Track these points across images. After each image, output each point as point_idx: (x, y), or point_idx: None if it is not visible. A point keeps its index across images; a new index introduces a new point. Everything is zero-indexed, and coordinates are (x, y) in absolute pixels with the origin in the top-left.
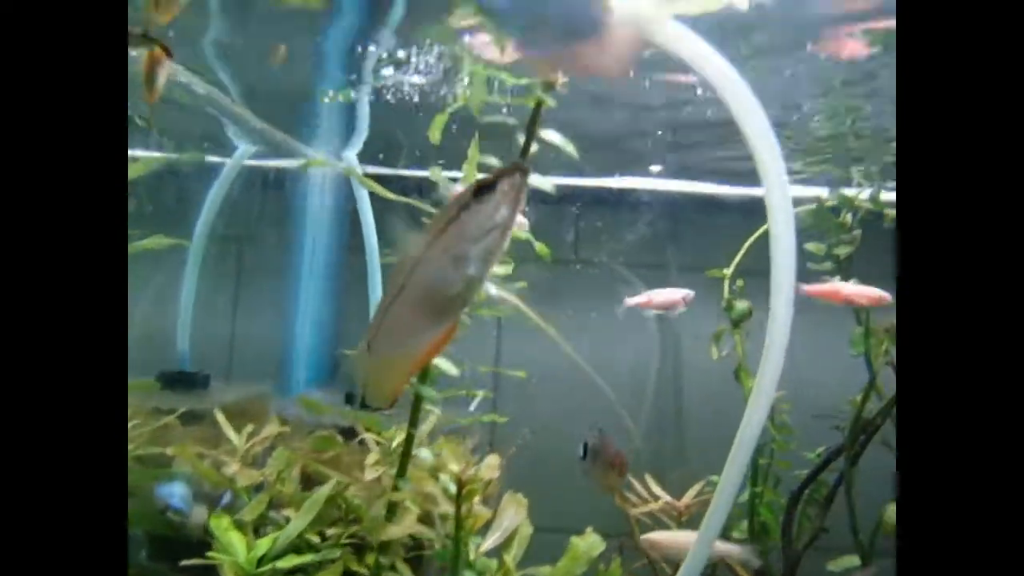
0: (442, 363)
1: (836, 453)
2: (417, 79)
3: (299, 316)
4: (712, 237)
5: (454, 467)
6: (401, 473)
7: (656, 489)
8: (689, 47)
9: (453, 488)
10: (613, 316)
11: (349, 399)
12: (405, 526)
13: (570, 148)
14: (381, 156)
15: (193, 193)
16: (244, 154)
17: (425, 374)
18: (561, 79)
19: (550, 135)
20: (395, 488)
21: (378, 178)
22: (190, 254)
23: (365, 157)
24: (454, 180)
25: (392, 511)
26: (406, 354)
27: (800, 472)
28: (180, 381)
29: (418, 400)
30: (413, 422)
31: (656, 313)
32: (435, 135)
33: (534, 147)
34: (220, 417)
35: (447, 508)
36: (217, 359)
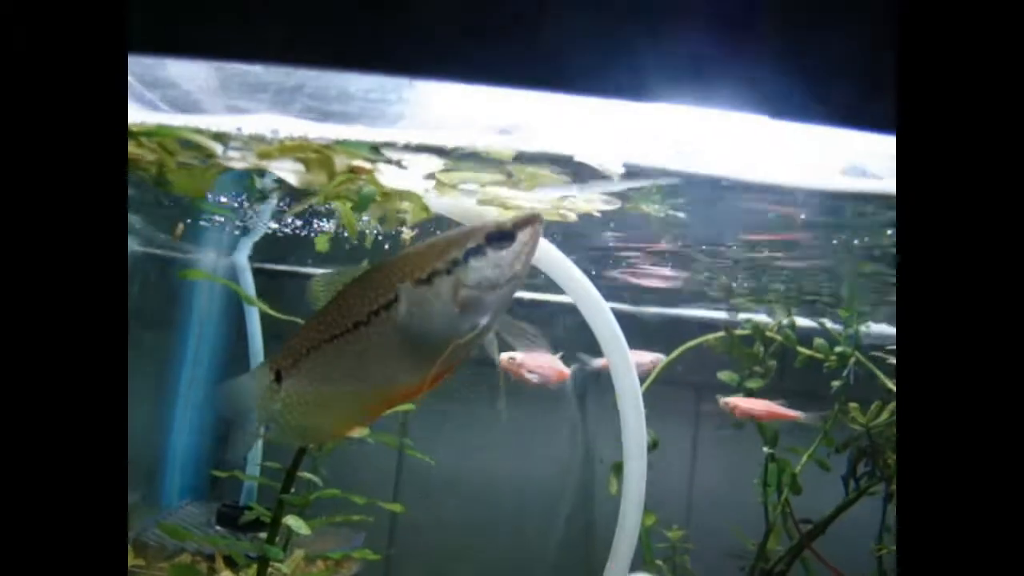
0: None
1: None
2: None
3: (178, 416)
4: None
5: None
6: None
7: None
8: None
9: None
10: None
11: (223, 518)
12: None
13: None
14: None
15: None
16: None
17: (276, 528)
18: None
19: None
20: None
21: (272, 273)
22: None
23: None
24: None
25: None
26: (358, 395)
27: None
28: None
29: (264, 563)
30: None
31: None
32: (322, 246)
33: None
34: None
35: None
36: None
